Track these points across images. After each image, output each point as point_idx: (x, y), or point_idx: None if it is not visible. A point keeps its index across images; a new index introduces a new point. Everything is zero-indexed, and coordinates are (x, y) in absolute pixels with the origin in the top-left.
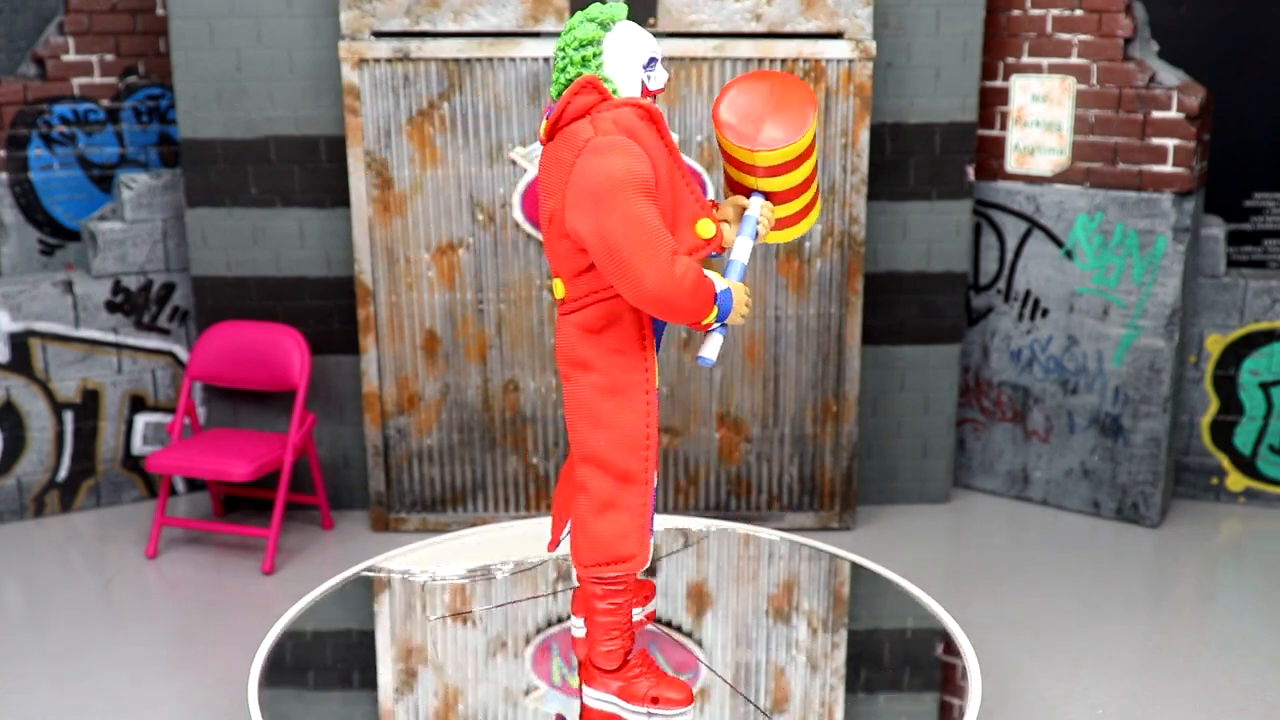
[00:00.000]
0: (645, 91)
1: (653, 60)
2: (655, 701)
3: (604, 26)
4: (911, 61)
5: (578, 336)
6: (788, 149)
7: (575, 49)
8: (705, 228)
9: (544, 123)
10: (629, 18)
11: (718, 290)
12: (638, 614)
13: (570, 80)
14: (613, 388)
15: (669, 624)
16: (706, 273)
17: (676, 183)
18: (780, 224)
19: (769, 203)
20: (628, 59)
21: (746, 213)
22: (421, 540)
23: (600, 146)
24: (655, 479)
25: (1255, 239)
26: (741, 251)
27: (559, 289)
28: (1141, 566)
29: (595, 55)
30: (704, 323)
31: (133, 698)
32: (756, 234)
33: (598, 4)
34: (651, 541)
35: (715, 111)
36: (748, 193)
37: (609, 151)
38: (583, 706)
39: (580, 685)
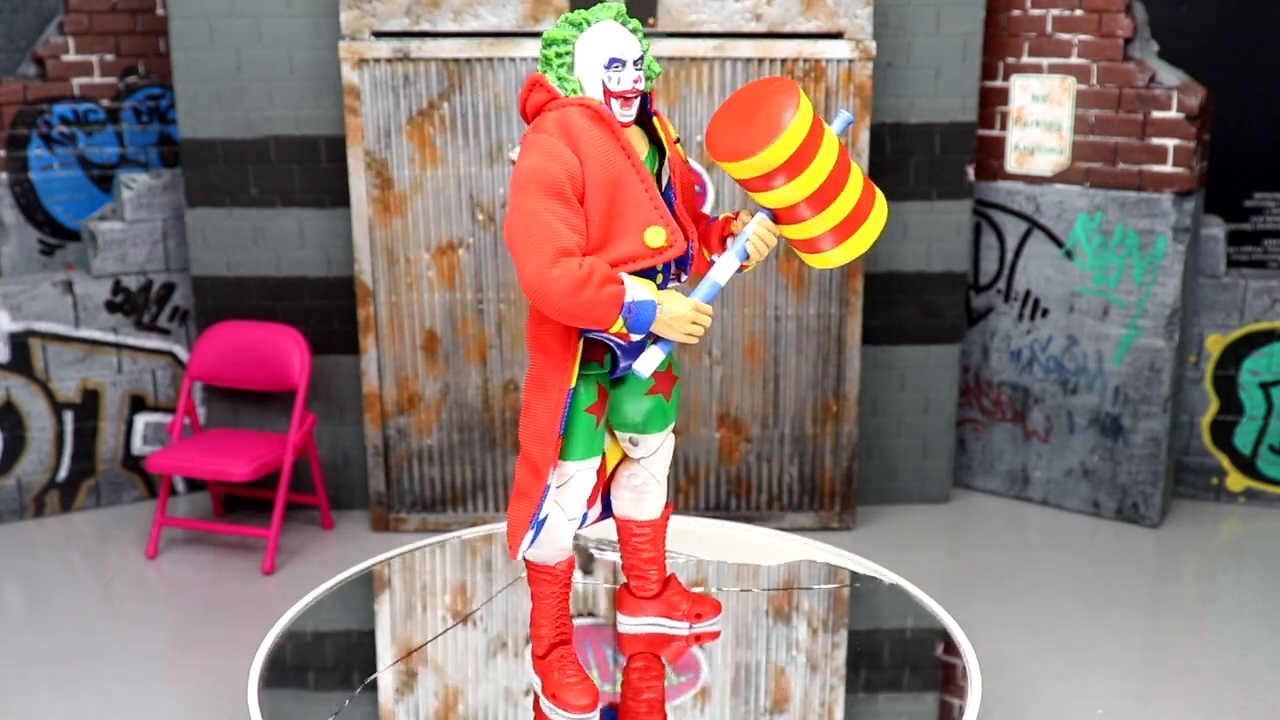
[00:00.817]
0: (608, 93)
1: (615, 61)
2: (554, 699)
3: (578, 27)
4: (911, 61)
5: (530, 327)
6: (755, 160)
7: (544, 48)
8: (654, 236)
9: None
10: (630, 16)
11: (629, 299)
12: (683, 628)
13: None
14: (539, 379)
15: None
16: (632, 281)
17: (627, 186)
18: (806, 245)
19: (769, 221)
20: (590, 60)
21: (743, 229)
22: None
23: (526, 144)
24: (554, 478)
25: (1255, 239)
26: (720, 270)
27: None
28: (1141, 566)
29: (562, 55)
30: (612, 330)
31: (133, 698)
32: (746, 254)
33: (601, 4)
34: (530, 537)
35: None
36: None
37: (529, 149)
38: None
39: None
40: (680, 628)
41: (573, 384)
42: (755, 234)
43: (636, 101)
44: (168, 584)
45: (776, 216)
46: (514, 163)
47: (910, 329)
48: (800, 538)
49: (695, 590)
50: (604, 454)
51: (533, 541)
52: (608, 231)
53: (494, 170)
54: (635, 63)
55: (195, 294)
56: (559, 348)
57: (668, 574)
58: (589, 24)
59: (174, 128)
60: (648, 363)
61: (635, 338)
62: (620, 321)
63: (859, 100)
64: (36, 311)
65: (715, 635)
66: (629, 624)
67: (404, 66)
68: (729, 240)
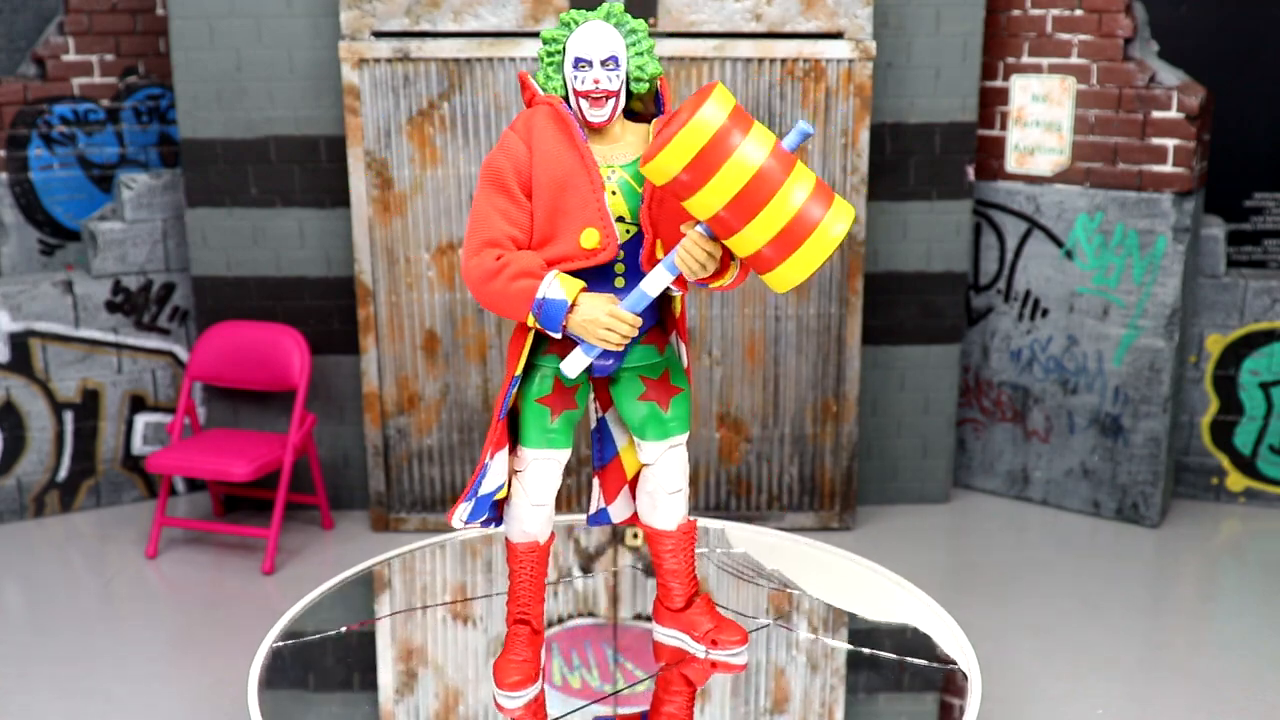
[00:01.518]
0: (575, 93)
1: (580, 61)
2: (494, 670)
3: (568, 26)
4: (911, 61)
5: None
6: (656, 161)
7: (540, 47)
8: (588, 237)
9: None
10: (631, 16)
11: (539, 297)
12: (699, 652)
13: None
14: (507, 366)
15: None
16: (554, 279)
17: (575, 186)
18: (754, 263)
19: (700, 233)
20: (566, 59)
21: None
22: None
23: (500, 137)
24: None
25: (1255, 239)
26: (649, 281)
27: None
28: (1141, 566)
29: (552, 54)
30: (528, 325)
31: (133, 698)
32: (675, 266)
33: (606, 4)
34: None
35: None
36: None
37: (498, 142)
38: None
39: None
40: (698, 649)
41: (517, 372)
42: (683, 246)
43: (609, 102)
44: (168, 584)
45: (713, 230)
46: None
47: (910, 329)
48: (801, 538)
49: (728, 616)
50: (618, 455)
51: (472, 513)
52: (552, 228)
53: None
54: (604, 63)
55: (195, 294)
56: (516, 339)
57: (700, 593)
58: (577, 24)
59: (174, 128)
60: (571, 365)
61: (555, 335)
62: (532, 317)
63: (859, 100)
64: (36, 311)
65: (741, 668)
66: (659, 632)
67: (404, 66)
68: None
